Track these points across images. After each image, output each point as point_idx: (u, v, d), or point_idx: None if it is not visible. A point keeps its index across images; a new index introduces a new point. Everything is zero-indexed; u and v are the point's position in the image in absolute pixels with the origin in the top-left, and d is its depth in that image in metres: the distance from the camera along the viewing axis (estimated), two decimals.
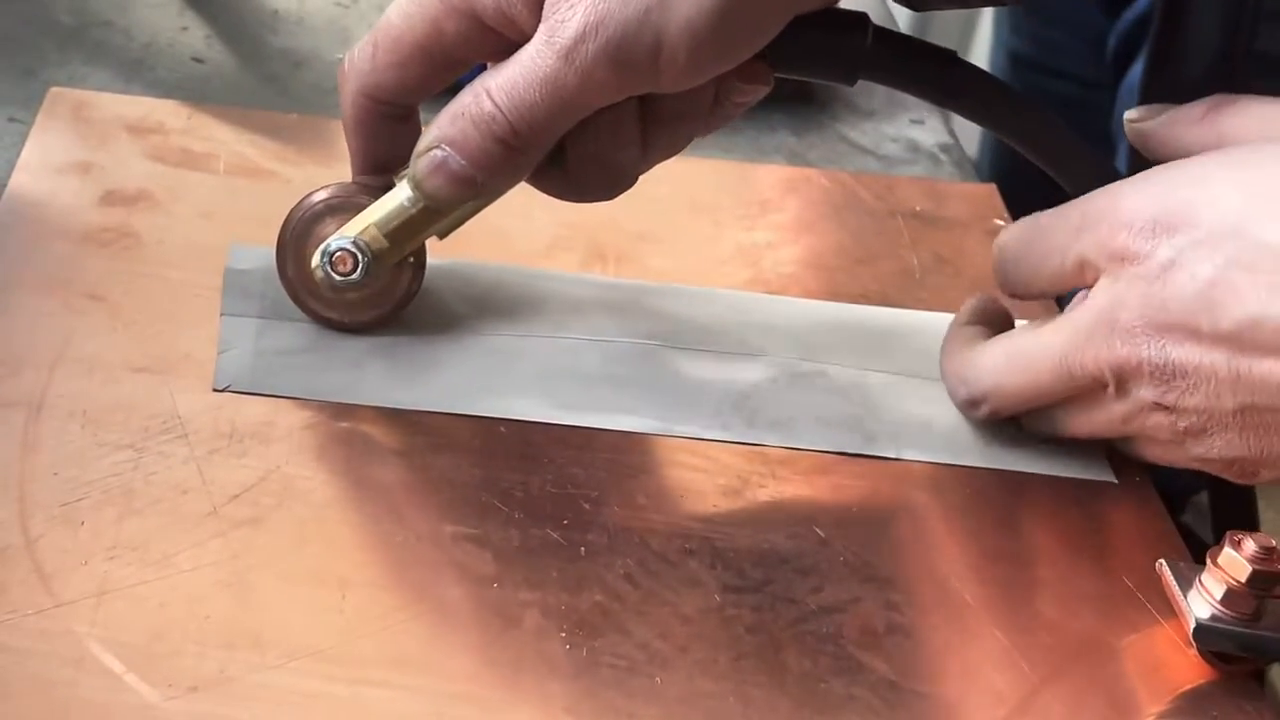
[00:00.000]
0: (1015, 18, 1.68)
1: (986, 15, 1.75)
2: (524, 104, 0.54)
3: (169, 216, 0.65)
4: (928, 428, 0.61)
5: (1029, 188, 0.65)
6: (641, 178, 0.74)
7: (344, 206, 0.58)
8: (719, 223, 0.72)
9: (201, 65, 0.77)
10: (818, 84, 0.84)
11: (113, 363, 0.57)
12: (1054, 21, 1.65)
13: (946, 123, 0.85)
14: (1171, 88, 1.26)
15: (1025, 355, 0.58)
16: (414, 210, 0.57)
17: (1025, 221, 0.59)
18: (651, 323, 0.64)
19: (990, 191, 0.78)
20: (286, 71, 0.78)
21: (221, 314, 0.60)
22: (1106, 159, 0.59)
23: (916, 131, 0.83)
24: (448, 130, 0.55)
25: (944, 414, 0.62)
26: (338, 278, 0.57)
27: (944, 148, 0.82)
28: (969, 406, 0.60)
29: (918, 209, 0.76)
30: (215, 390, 0.56)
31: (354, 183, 0.59)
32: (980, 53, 1.86)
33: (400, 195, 0.57)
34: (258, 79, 0.77)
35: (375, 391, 0.58)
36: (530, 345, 0.62)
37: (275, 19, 0.82)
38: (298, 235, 0.59)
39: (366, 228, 0.57)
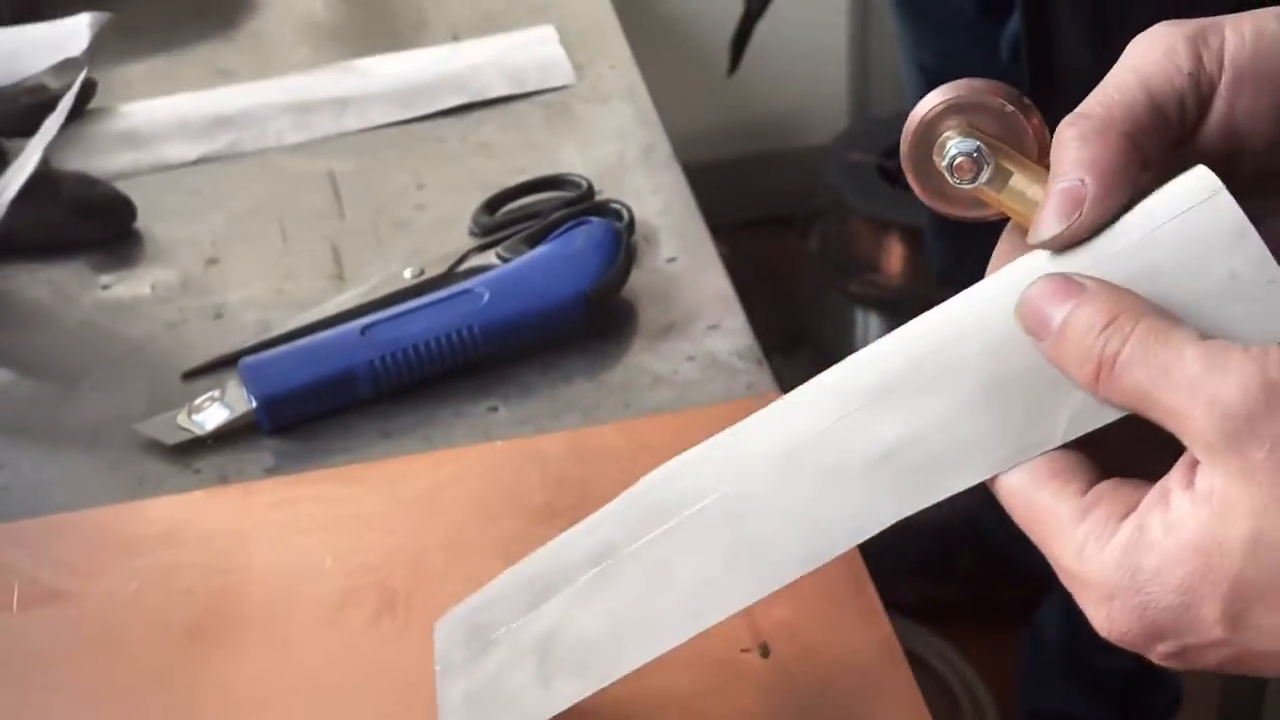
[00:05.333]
0: (919, 31, 1.68)
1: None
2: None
3: None
4: None
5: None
6: (432, 480, 0.75)
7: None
8: (506, 531, 0.73)
9: None
10: (615, 320, 0.85)
11: None
12: (950, 32, 1.65)
13: (747, 318, 0.85)
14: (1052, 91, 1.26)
15: None
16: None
17: None
18: None
19: None
20: (82, 451, 0.80)
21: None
22: None
23: (713, 340, 0.83)
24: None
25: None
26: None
27: (741, 353, 0.82)
28: None
29: None
30: None
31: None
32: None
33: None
34: (58, 478, 0.79)
35: None
36: None
37: (75, 384, 0.84)
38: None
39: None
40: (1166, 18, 0.52)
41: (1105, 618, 0.47)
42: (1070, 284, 0.49)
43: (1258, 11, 0.51)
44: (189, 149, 1.01)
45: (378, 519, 0.74)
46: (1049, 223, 0.50)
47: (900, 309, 2.18)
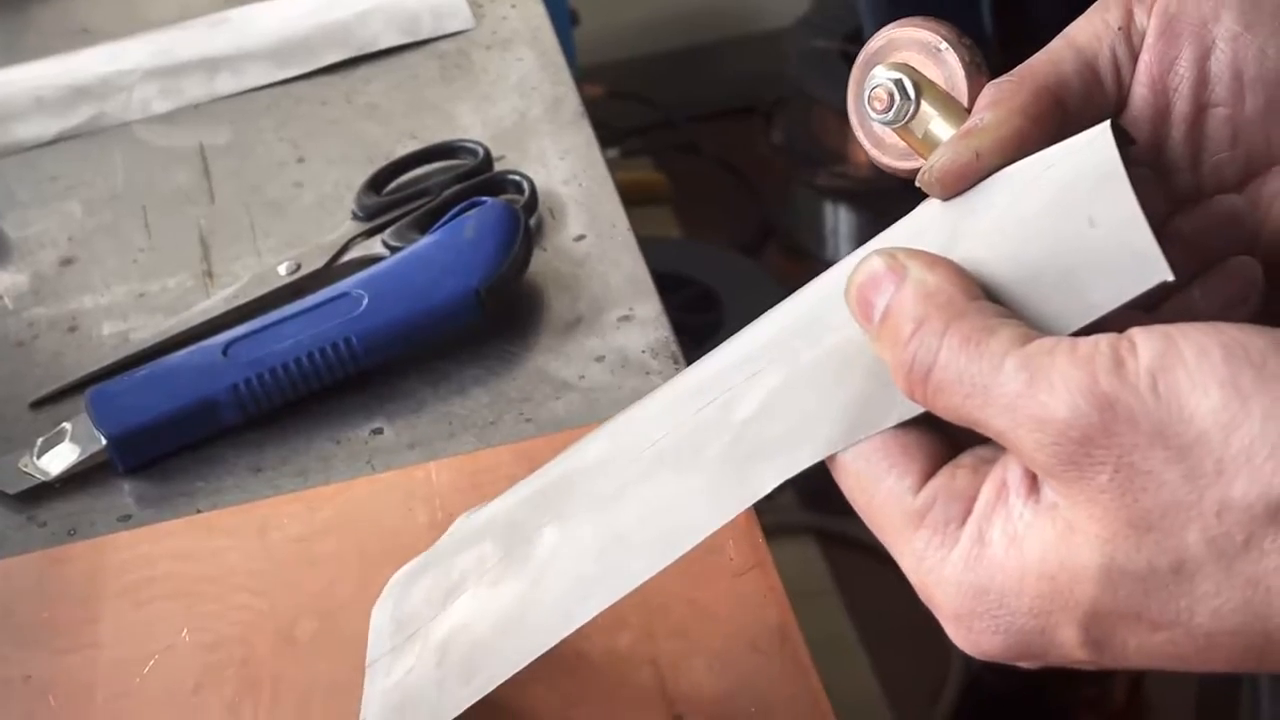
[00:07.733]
0: None
1: None
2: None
3: None
4: None
5: None
6: (306, 525, 0.67)
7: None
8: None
9: None
10: (515, 316, 0.75)
11: None
12: None
13: (661, 303, 0.75)
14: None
15: None
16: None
17: None
18: None
19: None
20: None
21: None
22: None
23: (625, 334, 0.74)
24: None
25: None
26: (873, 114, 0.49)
27: (655, 349, 0.73)
28: None
29: None
30: None
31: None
32: None
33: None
34: None
35: None
36: None
37: None
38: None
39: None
40: None
41: (959, 637, 0.43)
42: (894, 266, 0.44)
43: None
44: (46, 126, 0.91)
45: (244, 577, 0.65)
46: (932, 157, 0.46)
47: (870, 200, 2.09)
